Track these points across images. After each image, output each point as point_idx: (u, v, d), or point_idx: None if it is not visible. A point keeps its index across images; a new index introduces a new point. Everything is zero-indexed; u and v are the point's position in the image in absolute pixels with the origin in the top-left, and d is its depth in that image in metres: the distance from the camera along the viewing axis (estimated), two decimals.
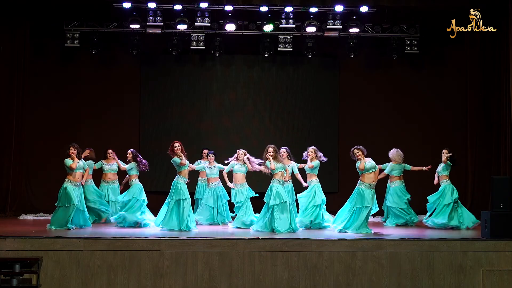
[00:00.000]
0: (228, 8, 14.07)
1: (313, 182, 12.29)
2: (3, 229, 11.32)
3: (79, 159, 11.80)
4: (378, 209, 11.93)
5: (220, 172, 13.00)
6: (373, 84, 15.56)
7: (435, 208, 12.55)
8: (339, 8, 14.05)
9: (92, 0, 14.31)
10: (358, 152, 11.47)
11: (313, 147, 12.46)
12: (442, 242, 10.23)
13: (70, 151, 11.72)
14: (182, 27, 14.36)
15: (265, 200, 11.56)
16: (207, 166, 13.05)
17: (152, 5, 14.08)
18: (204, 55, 15.29)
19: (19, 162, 14.69)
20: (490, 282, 9.97)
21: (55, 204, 11.77)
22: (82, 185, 11.96)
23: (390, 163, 13.09)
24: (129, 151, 12.58)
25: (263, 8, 14.17)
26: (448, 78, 15.46)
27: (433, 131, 15.31)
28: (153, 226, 12.07)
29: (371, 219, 12.64)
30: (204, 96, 15.45)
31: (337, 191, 14.62)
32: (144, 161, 12.49)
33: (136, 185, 12.35)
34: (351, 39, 14.89)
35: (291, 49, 14.82)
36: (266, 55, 15.03)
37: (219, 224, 12.87)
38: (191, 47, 14.72)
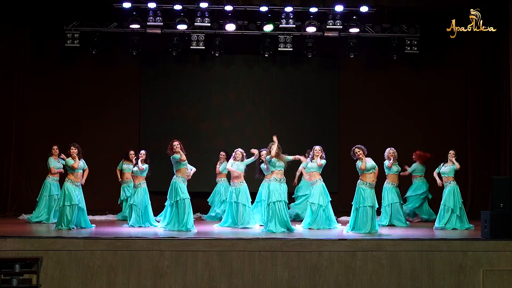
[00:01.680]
0: (228, 8, 14.08)
1: (319, 182, 12.25)
2: (3, 229, 11.31)
3: (80, 159, 11.80)
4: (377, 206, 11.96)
5: None
6: (373, 84, 15.56)
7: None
8: (339, 8, 14.05)
9: (92, 0, 14.32)
10: (359, 152, 11.48)
11: (319, 146, 12.43)
12: (442, 242, 10.23)
13: (71, 150, 11.72)
14: (182, 27, 14.36)
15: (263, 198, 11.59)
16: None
17: (152, 5, 14.08)
18: (204, 55, 15.30)
19: (19, 162, 14.69)
20: (490, 282, 9.96)
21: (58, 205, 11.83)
22: (82, 185, 11.95)
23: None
24: (143, 152, 12.53)
25: (263, 8, 14.17)
26: (448, 78, 15.46)
27: (433, 131, 15.32)
28: (159, 226, 12.08)
29: None
30: (204, 96, 15.46)
31: (337, 191, 14.61)
32: None
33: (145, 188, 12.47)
34: (351, 39, 14.89)
35: (291, 49, 14.83)
36: (266, 55, 15.04)
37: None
38: (191, 47, 14.72)
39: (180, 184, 11.66)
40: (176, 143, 11.75)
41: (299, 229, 11.79)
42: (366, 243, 10.16)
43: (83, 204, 11.81)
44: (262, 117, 15.45)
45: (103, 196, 14.15)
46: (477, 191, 14.84)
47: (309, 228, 11.98)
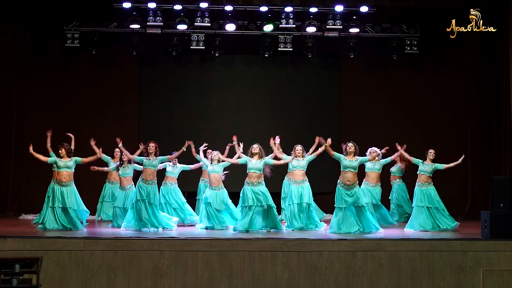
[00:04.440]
0: (228, 8, 14.08)
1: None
2: (3, 229, 11.32)
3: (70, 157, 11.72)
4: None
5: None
6: (373, 84, 15.56)
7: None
8: (339, 8, 14.06)
9: (92, 0, 14.32)
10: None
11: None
12: (442, 242, 10.23)
13: (61, 151, 11.68)
14: (182, 27, 14.37)
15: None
16: (170, 165, 12.75)
17: (152, 5, 14.09)
18: (204, 55, 15.30)
19: (19, 162, 14.69)
20: (490, 282, 9.96)
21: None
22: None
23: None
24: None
25: (263, 8, 14.18)
26: (448, 78, 15.45)
27: (433, 131, 15.30)
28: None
29: None
30: (204, 96, 15.46)
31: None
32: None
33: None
34: (351, 39, 14.90)
35: (291, 49, 14.83)
36: (266, 55, 15.04)
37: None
38: (191, 47, 14.73)
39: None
40: (151, 144, 11.77)
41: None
42: (366, 243, 10.16)
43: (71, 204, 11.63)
44: (262, 117, 15.45)
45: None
46: (477, 191, 14.84)
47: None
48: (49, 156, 11.75)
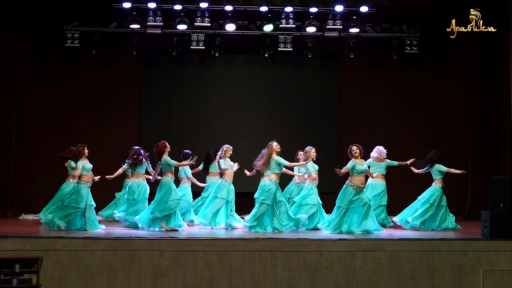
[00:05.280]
0: (228, 8, 14.09)
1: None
2: (3, 229, 11.31)
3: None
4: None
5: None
6: (373, 84, 15.56)
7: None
8: (339, 8, 14.07)
9: (92, 0, 14.32)
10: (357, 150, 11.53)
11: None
12: (442, 242, 10.24)
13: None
14: (182, 27, 14.38)
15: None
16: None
17: (152, 5, 14.09)
18: (204, 55, 15.30)
19: (19, 162, 14.69)
20: (490, 282, 9.97)
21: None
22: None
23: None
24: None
25: (263, 8, 14.19)
26: (448, 78, 15.46)
27: (434, 131, 15.31)
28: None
29: None
30: (204, 96, 15.46)
31: (336, 191, 14.56)
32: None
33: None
34: (351, 39, 14.90)
35: (291, 49, 14.84)
36: (266, 55, 15.04)
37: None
38: (191, 47, 14.73)
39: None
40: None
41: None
42: (366, 243, 10.17)
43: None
44: (262, 117, 15.45)
45: (102, 195, 14.09)
46: (477, 191, 14.85)
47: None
48: (74, 166, 11.78)
